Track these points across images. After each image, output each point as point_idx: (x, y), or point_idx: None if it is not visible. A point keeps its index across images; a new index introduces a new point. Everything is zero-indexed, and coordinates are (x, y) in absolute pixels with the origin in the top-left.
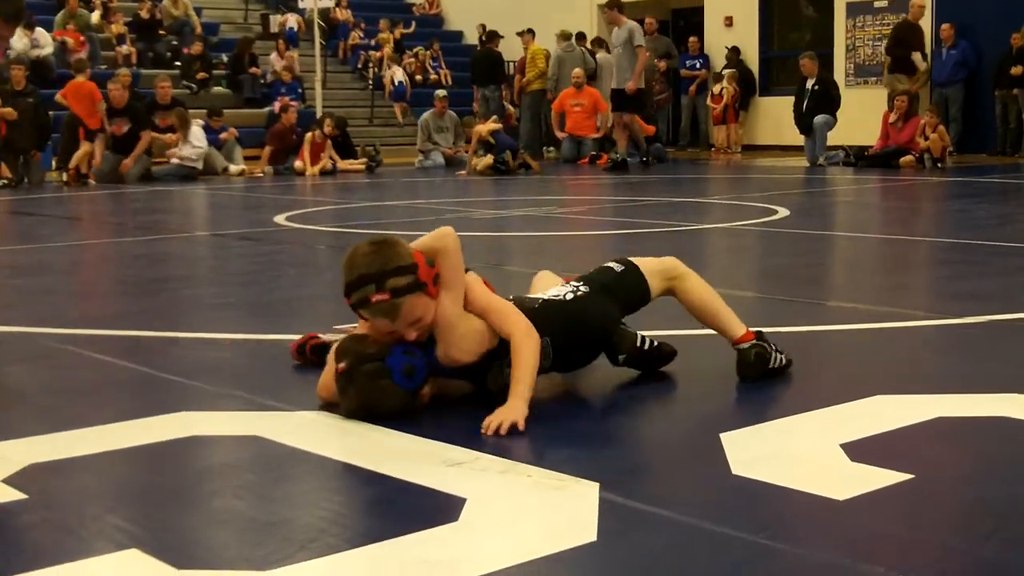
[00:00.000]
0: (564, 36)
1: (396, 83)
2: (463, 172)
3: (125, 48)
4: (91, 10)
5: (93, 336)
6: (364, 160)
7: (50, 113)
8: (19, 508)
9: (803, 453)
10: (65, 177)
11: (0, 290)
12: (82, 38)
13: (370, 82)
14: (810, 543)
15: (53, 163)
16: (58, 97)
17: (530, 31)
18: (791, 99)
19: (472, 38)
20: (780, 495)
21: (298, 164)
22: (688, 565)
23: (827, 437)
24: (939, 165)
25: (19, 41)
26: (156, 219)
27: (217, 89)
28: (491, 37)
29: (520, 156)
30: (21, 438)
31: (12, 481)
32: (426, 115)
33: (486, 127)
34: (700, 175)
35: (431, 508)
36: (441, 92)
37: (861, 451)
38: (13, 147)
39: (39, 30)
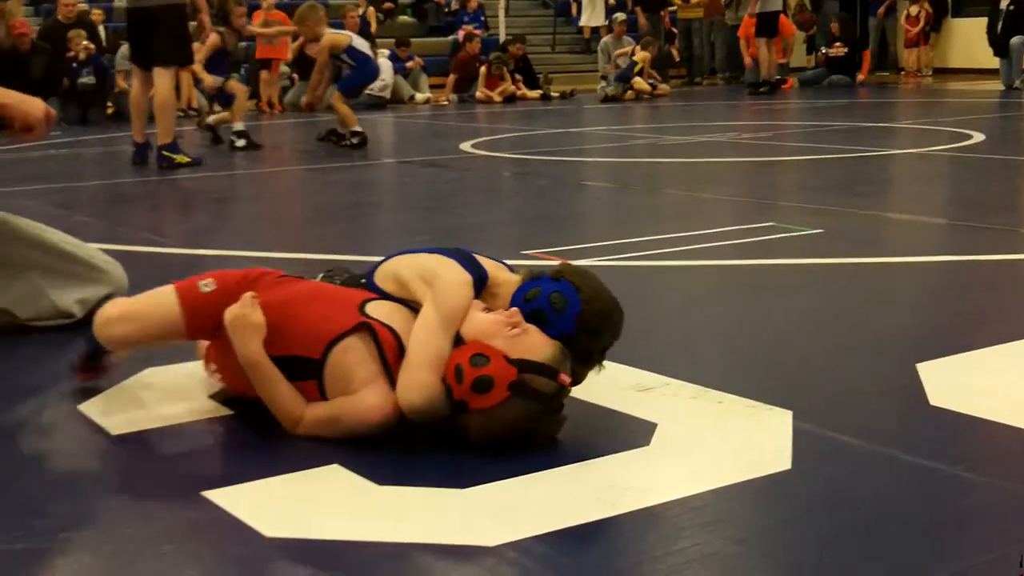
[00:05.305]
0: None
1: None
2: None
3: None
4: None
5: (288, 259)
6: (540, 92)
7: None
8: (229, 425)
9: (1003, 384)
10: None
11: (198, 215)
12: None
13: (552, 8)
14: (1010, 476)
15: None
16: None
17: None
18: (984, 20)
19: None
20: (979, 427)
21: (479, 94)
22: (885, 497)
23: None
24: None
25: None
26: (345, 147)
27: (403, 18)
28: None
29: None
30: None
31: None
32: (605, 39)
33: (642, 55)
34: (889, 99)
35: (623, 432)
36: (620, 15)
37: None
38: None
39: None
